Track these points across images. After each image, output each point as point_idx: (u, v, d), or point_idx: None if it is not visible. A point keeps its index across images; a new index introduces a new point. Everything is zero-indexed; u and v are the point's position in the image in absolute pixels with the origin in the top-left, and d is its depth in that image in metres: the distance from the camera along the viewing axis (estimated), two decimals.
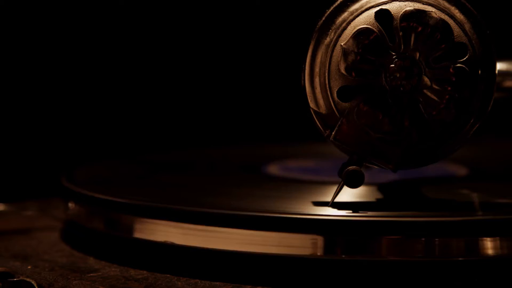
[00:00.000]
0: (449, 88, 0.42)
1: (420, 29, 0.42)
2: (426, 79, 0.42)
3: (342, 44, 0.42)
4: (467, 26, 0.42)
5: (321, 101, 0.43)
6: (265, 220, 0.42)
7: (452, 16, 0.42)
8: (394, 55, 0.42)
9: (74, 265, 0.45)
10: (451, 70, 0.42)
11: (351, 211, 0.43)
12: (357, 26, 0.42)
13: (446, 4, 0.42)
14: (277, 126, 0.79)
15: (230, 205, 0.45)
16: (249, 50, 0.79)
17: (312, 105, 0.43)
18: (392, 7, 0.42)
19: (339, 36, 0.42)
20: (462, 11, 0.42)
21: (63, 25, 0.75)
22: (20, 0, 0.73)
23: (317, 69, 0.43)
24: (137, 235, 0.45)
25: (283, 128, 0.79)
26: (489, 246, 0.41)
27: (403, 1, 0.42)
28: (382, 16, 0.42)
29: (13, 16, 0.73)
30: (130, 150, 0.73)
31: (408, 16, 0.42)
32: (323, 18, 0.43)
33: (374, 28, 0.42)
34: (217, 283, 0.41)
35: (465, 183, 0.53)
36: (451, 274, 0.41)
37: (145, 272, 0.43)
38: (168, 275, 0.42)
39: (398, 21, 0.42)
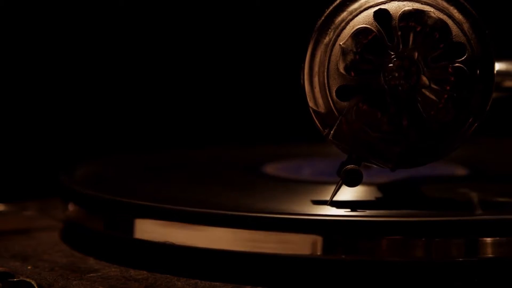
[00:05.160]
0: (447, 88, 0.42)
1: (418, 28, 0.42)
2: (424, 78, 0.42)
3: (341, 43, 0.42)
4: (465, 26, 0.42)
5: (320, 100, 0.43)
6: (264, 220, 0.42)
7: (450, 16, 0.42)
8: (392, 54, 0.42)
9: (74, 265, 0.45)
10: (449, 69, 0.42)
11: (349, 210, 0.43)
12: (356, 25, 0.42)
13: (445, 4, 0.42)
14: (277, 126, 0.79)
15: (230, 205, 0.45)
16: (249, 50, 0.79)
17: (311, 104, 0.43)
18: (391, 6, 0.42)
19: (338, 35, 0.42)
20: (460, 11, 0.42)
21: (63, 25, 0.75)
22: (20, 0, 0.73)
23: (316, 69, 0.43)
24: (137, 235, 0.45)
25: (283, 128, 0.79)
26: (489, 246, 0.41)
27: (401, 0, 0.42)
28: (381, 15, 0.42)
29: (13, 16, 0.73)
30: (129, 149, 0.73)
31: (407, 15, 0.42)
32: (322, 18, 0.43)
33: (373, 28, 0.42)
34: (217, 283, 0.41)
35: (465, 183, 0.53)
36: (451, 274, 0.41)
37: (145, 272, 0.43)
38: (168, 275, 0.42)
39: (397, 21, 0.42)
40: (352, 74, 0.42)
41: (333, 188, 0.44)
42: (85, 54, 0.76)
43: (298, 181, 0.53)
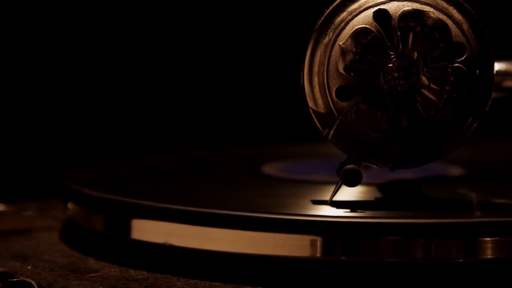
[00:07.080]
0: (447, 88, 0.42)
1: (418, 28, 0.42)
2: (424, 78, 0.42)
3: (340, 43, 0.42)
4: (465, 26, 0.42)
5: (319, 100, 0.43)
6: (264, 221, 0.42)
7: (450, 16, 0.42)
8: (392, 54, 0.42)
9: (74, 265, 0.45)
10: (449, 70, 0.42)
11: (349, 211, 0.43)
12: (356, 25, 0.42)
13: (444, 4, 0.42)
14: (277, 126, 0.79)
15: (230, 205, 0.45)
16: (249, 50, 0.80)
17: (311, 104, 0.43)
18: (390, 7, 0.42)
19: (338, 35, 0.42)
20: (460, 11, 0.42)
21: (63, 25, 0.75)
22: (20, 0, 0.73)
23: (316, 69, 0.43)
24: (137, 235, 0.45)
25: (283, 128, 0.79)
26: (488, 247, 0.41)
27: (401, 1, 0.42)
28: (381, 16, 0.42)
29: (13, 16, 0.73)
30: (129, 149, 0.73)
31: (406, 15, 0.42)
32: (322, 18, 0.43)
33: (372, 28, 0.42)
34: (217, 283, 0.41)
35: (464, 183, 0.53)
36: (450, 275, 0.41)
37: (145, 272, 0.43)
38: (168, 276, 0.42)
39: (396, 21, 0.42)
40: (352, 74, 0.42)
41: (332, 188, 0.44)
42: (84, 54, 0.76)
43: (298, 181, 0.53)
